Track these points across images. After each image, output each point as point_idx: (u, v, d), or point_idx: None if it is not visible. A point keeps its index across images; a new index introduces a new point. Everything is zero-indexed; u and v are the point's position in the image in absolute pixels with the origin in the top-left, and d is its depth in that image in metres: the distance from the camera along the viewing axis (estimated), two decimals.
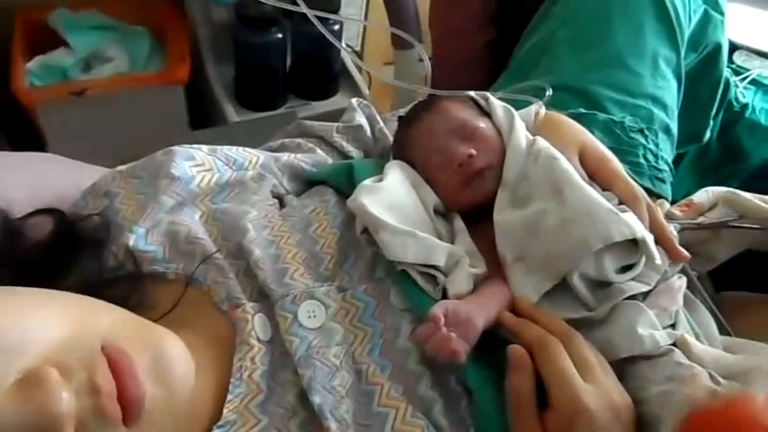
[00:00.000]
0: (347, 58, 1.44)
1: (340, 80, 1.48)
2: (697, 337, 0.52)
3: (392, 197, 0.54)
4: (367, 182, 0.55)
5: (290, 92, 1.53)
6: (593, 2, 0.82)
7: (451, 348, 0.46)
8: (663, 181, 0.79)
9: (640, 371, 0.48)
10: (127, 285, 0.50)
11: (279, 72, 1.47)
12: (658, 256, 0.52)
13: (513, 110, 0.60)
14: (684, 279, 0.56)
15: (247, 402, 0.46)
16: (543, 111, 0.63)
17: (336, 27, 1.37)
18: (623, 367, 0.49)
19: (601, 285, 0.51)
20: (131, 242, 0.52)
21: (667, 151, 0.81)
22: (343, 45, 1.43)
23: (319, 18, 1.35)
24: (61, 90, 1.31)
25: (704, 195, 0.67)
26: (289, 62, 1.51)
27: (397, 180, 0.56)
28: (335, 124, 0.71)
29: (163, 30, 1.45)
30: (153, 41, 1.47)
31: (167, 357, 0.40)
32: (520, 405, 0.46)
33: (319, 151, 0.68)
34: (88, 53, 1.39)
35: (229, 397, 0.46)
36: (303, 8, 0.64)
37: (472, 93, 0.63)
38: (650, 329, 0.49)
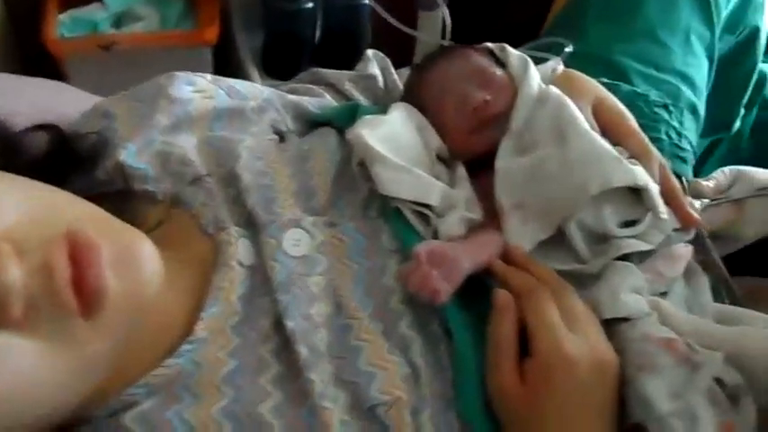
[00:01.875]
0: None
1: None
2: (690, 311, 0.50)
3: (393, 133, 0.53)
4: (372, 116, 0.54)
5: (317, 63, 1.52)
6: None
7: (432, 286, 0.44)
8: (684, 161, 0.76)
9: (621, 330, 0.46)
10: (115, 201, 0.50)
11: (306, 42, 1.46)
12: (664, 210, 0.49)
13: (528, 59, 0.58)
14: (690, 248, 0.53)
15: (222, 322, 0.45)
16: (561, 67, 0.61)
17: (367, 1, 1.36)
18: (607, 328, 0.47)
19: (598, 240, 0.49)
20: (122, 157, 0.51)
21: (692, 131, 0.78)
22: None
23: None
24: (89, 42, 1.32)
25: (721, 175, 0.65)
26: (318, 34, 1.51)
27: (400, 118, 0.55)
28: (348, 72, 0.70)
29: None
30: (186, 4, 1.48)
31: (135, 254, 0.39)
32: (499, 348, 0.44)
33: (328, 97, 0.67)
34: (120, 10, 1.40)
35: (203, 315, 0.45)
36: None
37: (490, 44, 0.61)
38: (635, 294, 0.47)
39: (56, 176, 0.52)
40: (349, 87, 0.68)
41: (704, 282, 0.52)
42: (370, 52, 0.72)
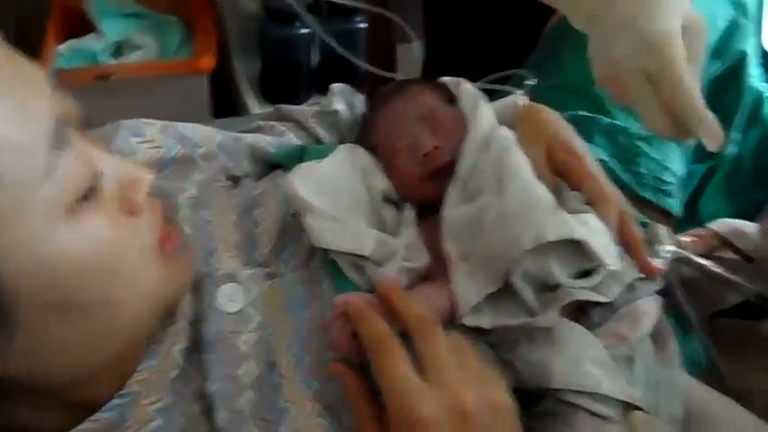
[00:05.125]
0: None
1: (365, 79, 1.46)
2: (657, 389, 0.46)
3: (329, 179, 0.51)
4: (307, 163, 0.52)
5: (315, 88, 1.52)
6: None
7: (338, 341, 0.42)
8: (667, 194, 0.72)
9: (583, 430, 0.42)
10: None
11: (303, 67, 1.46)
12: (614, 260, 0.46)
13: (480, 97, 0.55)
14: (656, 303, 0.50)
15: (159, 375, 0.44)
16: (523, 100, 0.59)
17: (363, 26, 1.35)
18: (567, 415, 0.43)
19: (548, 289, 0.46)
20: None
21: (676, 162, 0.75)
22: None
23: (343, 16, 1.33)
24: (87, 73, 1.33)
25: (722, 227, 0.61)
26: (315, 59, 1.50)
27: (339, 162, 0.53)
28: (312, 108, 0.68)
29: (193, 20, 1.47)
30: (184, 32, 1.49)
31: None
32: (356, 412, 0.42)
33: (291, 135, 0.65)
34: (119, 40, 1.42)
35: (140, 367, 0.44)
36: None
37: (446, 78, 0.59)
38: (600, 369, 0.43)
39: None
40: (313, 124, 0.67)
41: (673, 348, 0.49)
42: (336, 86, 0.71)
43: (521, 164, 0.49)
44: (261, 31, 1.42)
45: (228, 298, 0.47)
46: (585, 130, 0.73)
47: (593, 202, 0.50)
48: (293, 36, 1.39)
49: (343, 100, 0.69)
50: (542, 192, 0.47)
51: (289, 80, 1.48)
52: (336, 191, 0.50)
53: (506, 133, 0.52)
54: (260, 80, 1.49)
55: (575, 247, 0.45)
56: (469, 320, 0.46)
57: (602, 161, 0.71)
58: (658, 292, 0.51)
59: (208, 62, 1.37)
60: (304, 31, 1.40)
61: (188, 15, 1.47)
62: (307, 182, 0.50)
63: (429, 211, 0.53)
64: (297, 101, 1.55)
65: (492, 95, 0.65)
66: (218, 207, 0.53)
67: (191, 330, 0.47)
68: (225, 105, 1.49)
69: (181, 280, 0.46)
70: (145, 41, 1.44)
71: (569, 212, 0.49)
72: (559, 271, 0.45)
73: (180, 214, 0.51)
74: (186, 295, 0.48)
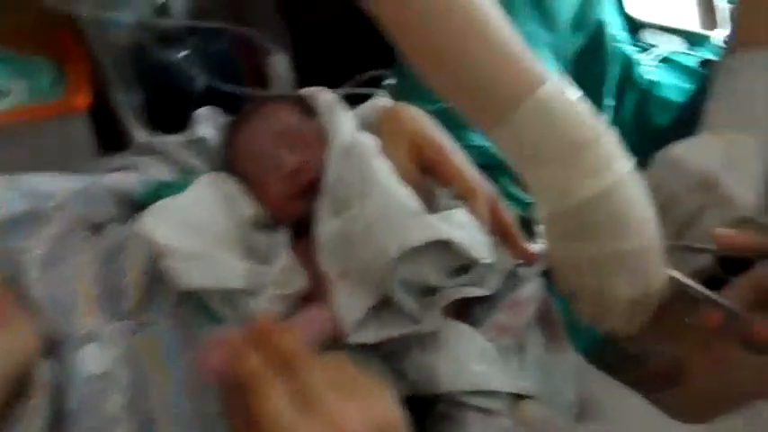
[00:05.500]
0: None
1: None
2: (549, 378, 0.46)
3: (188, 215, 0.48)
4: (163, 200, 0.49)
5: None
6: None
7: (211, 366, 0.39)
8: None
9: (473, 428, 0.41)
10: None
11: (188, 92, 1.41)
12: (485, 254, 0.46)
13: (337, 105, 0.54)
14: (534, 288, 0.50)
15: None
16: (384, 102, 0.57)
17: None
18: (458, 415, 0.42)
19: (428, 293, 0.45)
20: None
21: None
22: None
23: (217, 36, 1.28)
24: None
25: None
26: (202, 81, 1.45)
27: (199, 194, 0.50)
28: (179, 139, 0.65)
29: (63, 58, 1.39)
30: (55, 71, 1.41)
31: None
32: None
33: (161, 169, 0.62)
34: None
35: None
36: None
37: (304, 90, 0.57)
38: (486, 366, 0.43)
39: None
40: (181, 154, 0.64)
41: (562, 332, 0.49)
42: (201, 111, 0.68)
43: (381, 170, 0.47)
44: (136, 60, 1.37)
45: (91, 359, 0.44)
46: (460, 118, 0.73)
47: (462, 197, 0.49)
48: (169, 62, 1.34)
49: (210, 124, 0.66)
50: (404, 196, 0.46)
51: (175, 106, 1.42)
52: (197, 225, 0.48)
53: (366, 139, 0.50)
54: (146, 110, 1.43)
55: (446, 247, 0.44)
56: (354, 338, 0.44)
57: (480, 147, 0.71)
58: (544, 273, 0.51)
59: (83, 99, 1.29)
60: (180, 55, 1.35)
61: (56, 53, 1.39)
62: (163, 221, 0.47)
63: (305, 231, 0.51)
64: (186, 127, 1.50)
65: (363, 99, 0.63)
66: (75, 261, 0.49)
67: (53, 400, 0.43)
68: (113, 141, 1.42)
69: (20, 347, 0.42)
70: (12, 87, 1.35)
71: (441, 209, 0.48)
72: (435, 273, 0.45)
73: (28, 275, 0.47)
74: (45, 362, 0.44)
